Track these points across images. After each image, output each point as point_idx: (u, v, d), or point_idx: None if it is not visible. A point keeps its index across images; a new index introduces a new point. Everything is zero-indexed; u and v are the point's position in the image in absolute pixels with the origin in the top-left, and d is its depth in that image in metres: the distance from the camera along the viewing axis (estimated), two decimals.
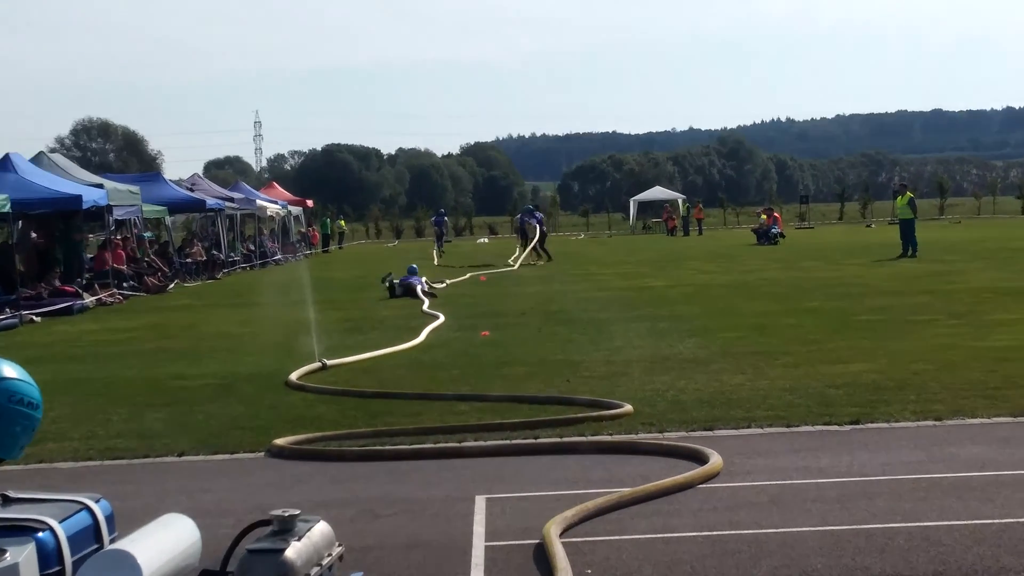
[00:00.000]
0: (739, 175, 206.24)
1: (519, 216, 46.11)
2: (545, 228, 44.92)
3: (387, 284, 26.58)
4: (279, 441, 9.54)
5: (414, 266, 28.89)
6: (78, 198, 27.48)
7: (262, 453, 9.46)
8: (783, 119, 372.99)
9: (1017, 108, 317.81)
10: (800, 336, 15.76)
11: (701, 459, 8.33)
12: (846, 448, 8.83)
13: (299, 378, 13.11)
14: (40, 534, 4.14)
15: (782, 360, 13.37)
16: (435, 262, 43.70)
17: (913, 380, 11.60)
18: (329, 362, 14.24)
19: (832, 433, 9.44)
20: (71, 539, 4.24)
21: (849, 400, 10.64)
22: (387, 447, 9.38)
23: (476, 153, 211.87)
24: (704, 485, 7.79)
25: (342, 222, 78.62)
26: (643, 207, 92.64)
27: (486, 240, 74.95)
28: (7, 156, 28.04)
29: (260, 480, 8.60)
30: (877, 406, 10.31)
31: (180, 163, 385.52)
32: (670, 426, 9.80)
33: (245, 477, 8.73)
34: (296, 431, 10.07)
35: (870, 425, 9.64)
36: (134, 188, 33.79)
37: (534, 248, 42.24)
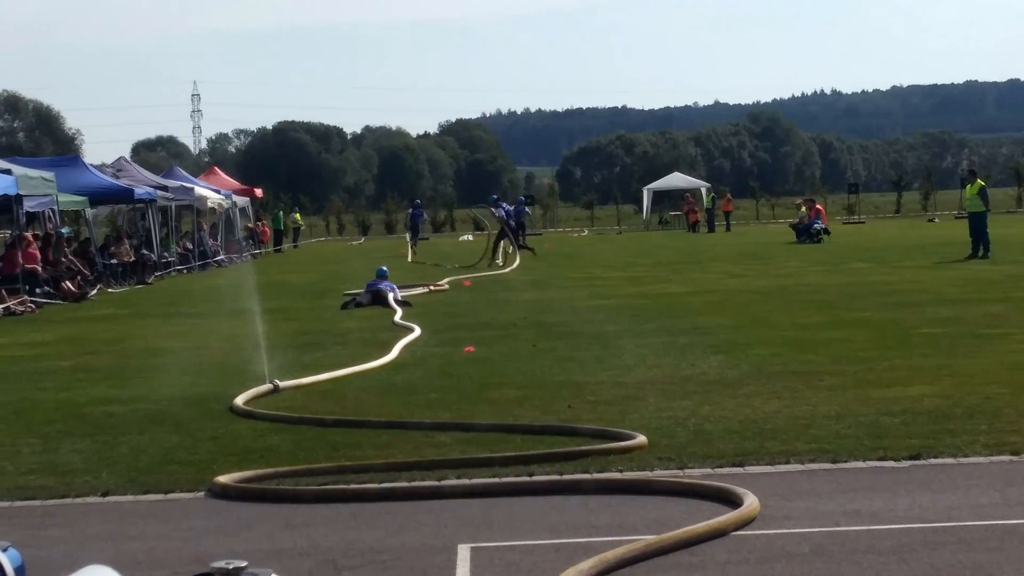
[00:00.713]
0: (775, 159, 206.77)
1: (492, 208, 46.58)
2: (513, 222, 45.27)
3: (351, 306, 26.04)
4: (222, 479, 9.54)
5: (383, 268, 28.87)
6: None
7: (202, 493, 9.47)
8: (827, 91, 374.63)
9: None
10: (848, 353, 15.78)
11: (733, 501, 8.34)
12: (904, 488, 8.85)
13: (246, 403, 13.11)
14: None
15: (826, 382, 13.39)
16: (408, 259, 44.52)
17: (985, 406, 11.62)
18: (282, 384, 14.25)
19: (887, 470, 9.46)
20: None
21: (907, 431, 10.66)
22: (351, 486, 9.38)
23: (458, 132, 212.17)
24: (736, 532, 7.80)
25: (297, 215, 78.89)
26: (659, 197, 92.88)
27: (470, 237, 74.96)
28: None
29: (200, 525, 8.59)
30: (941, 437, 10.33)
31: (103, 144, 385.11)
32: (692, 461, 9.81)
33: (182, 521, 8.72)
34: (243, 466, 10.06)
35: (933, 460, 9.66)
36: (48, 175, 33.73)
37: (495, 247, 42.69)
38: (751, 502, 8.19)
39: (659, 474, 9.43)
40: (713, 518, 7.90)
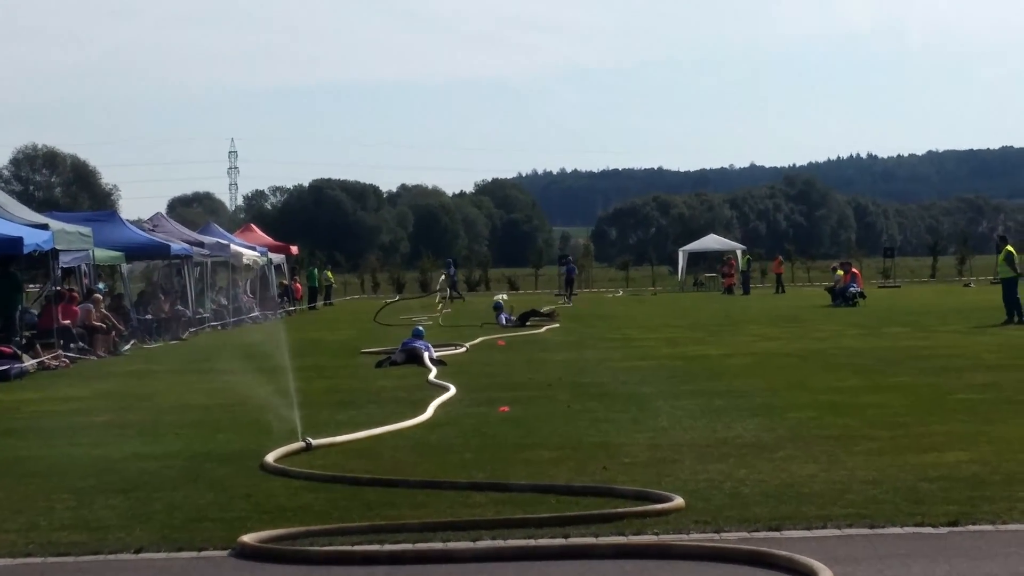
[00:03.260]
0: (810, 222, 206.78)
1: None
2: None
3: (386, 365, 26.13)
4: (246, 538, 9.53)
5: (419, 328, 28.97)
6: (18, 241, 27.62)
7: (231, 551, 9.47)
8: (863, 155, 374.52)
9: None
10: (885, 418, 15.71)
11: (805, 572, 8.30)
12: (942, 555, 8.78)
13: (277, 460, 13.11)
14: None
15: (863, 446, 13.33)
16: (439, 316, 45.51)
17: (1023, 473, 11.54)
18: (315, 441, 14.24)
19: (925, 536, 9.39)
20: None
21: (945, 496, 10.59)
22: (359, 548, 9.36)
23: (494, 192, 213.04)
24: None
25: (329, 273, 78.99)
26: (694, 259, 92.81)
27: (504, 296, 74.84)
28: None
29: None
30: (979, 504, 10.26)
31: (140, 200, 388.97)
32: (728, 524, 9.76)
33: None
34: (276, 525, 10.06)
35: (971, 527, 9.59)
36: (85, 230, 33.92)
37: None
38: (818, 570, 8.16)
39: (695, 538, 9.39)
40: None
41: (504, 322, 41.84)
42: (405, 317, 46.03)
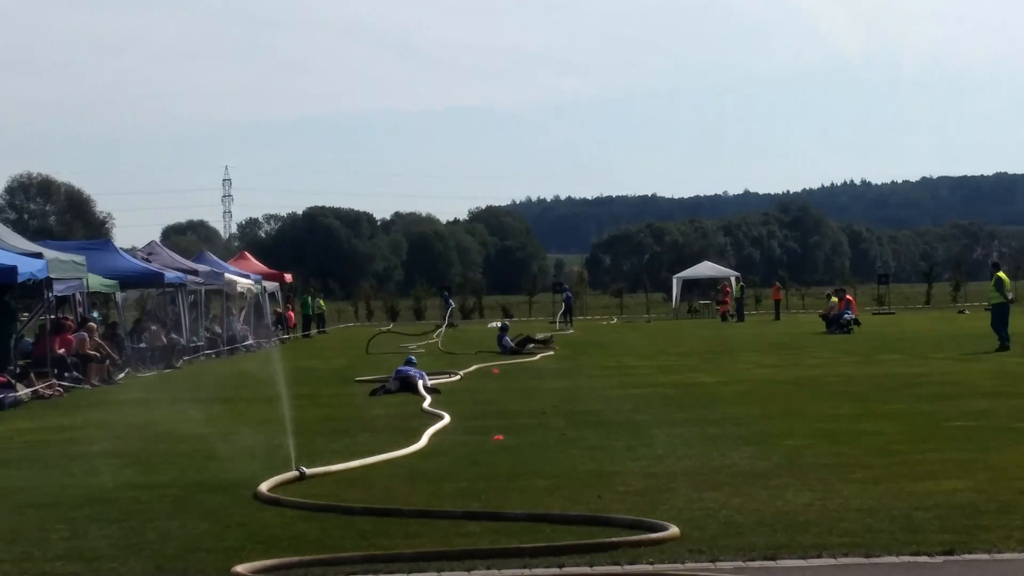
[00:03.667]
0: (804, 249, 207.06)
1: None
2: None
3: (380, 393, 26.16)
4: (240, 568, 9.51)
5: (412, 356, 28.99)
6: (12, 269, 27.60)
7: None
8: (857, 182, 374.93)
9: None
10: (880, 445, 15.71)
11: None
12: None
13: (271, 489, 13.09)
14: None
15: (858, 475, 13.33)
16: (438, 341, 46.06)
17: (1019, 501, 11.54)
18: (308, 470, 14.22)
19: (921, 565, 9.38)
20: None
21: (941, 525, 10.58)
22: None
23: (488, 219, 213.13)
24: None
25: (321, 301, 78.96)
26: (688, 286, 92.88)
27: (498, 324, 74.88)
28: None
29: None
30: (975, 533, 10.25)
31: (134, 228, 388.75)
32: (723, 553, 9.75)
33: None
34: (270, 554, 10.04)
35: (967, 556, 9.58)
36: (79, 258, 33.90)
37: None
38: None
39: (691, 567, 9.37)
40: None
41: (504, 348, 41.83)
42: (404, 346, 46.12)
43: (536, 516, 11.38)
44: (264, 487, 13.13)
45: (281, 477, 13.81)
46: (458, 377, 30.06)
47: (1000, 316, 36.04)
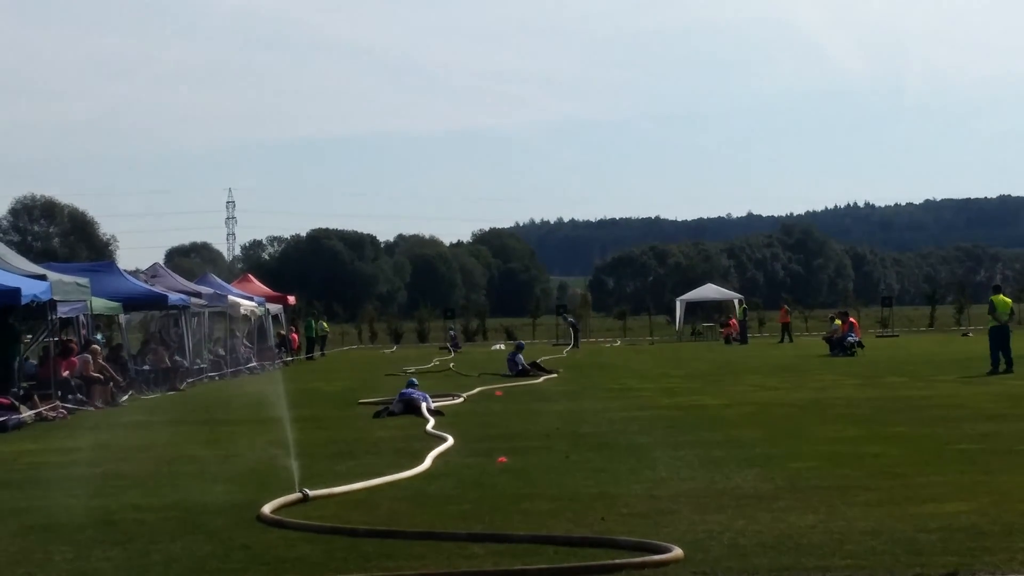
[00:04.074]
0: (808, 271, 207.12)
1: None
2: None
3: (384, 415, 26.22)
4: None
5: (414, 379, 29.02)
6: (16, 291, 27.65)
7: None
8: (861, 204, 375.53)
9: None
10: (883, 468, 15.71)
11: None
12: None
13: (274, 511, 13.10)
14: None
15: (862, 497, 13.33)
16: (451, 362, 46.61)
17: (1023, 523, 11.53)
18: (312, 493, 14.23)
19: None
20: None
21: (944, 547, 10.58)
22: None
23: (491, 241, 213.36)
24: None
25: (324, 323, 79.00)
26: (692, 308, 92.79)
27: (502, 346, 74.95)
28: None
29: None
30: (978, 555, 10.25)
31: (138, 251, 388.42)
32: None
33: None
34: None
35: None
36: (82, 280, 33.98)
37: None
38: None
39: None
40: None
41: (514, 369, 41.80)
42: (411, 371, 46.20)
43: (541, 538, 11.38)
44: (267, 509, 13.14)
45: (284, 499, 13.83)
46: (461, 399, 30.06)
47: (993, 339, 36.03)
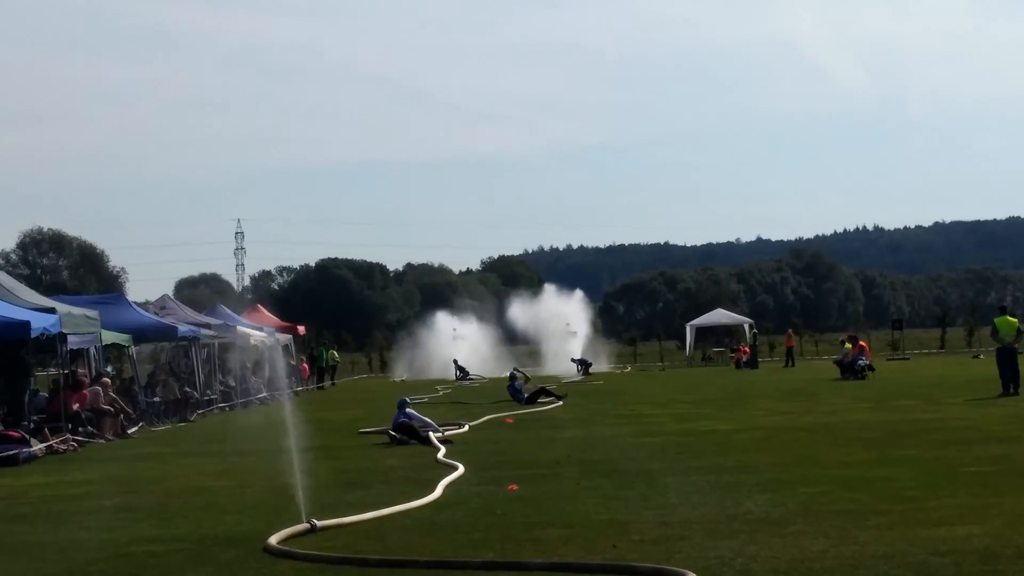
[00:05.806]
0: (817, 295, 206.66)
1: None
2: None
3: (394, 444, 26.38)
4: None
5: (405, 398, 28.90)
6: (26, 325, 27.69)
7: None
8: (870, 227, 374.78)
9: None
10: (895, 491, 15.69)
11: None
12: None
13: (280, 542, 13.08)
14: None
15: (874, 521, 13.31)
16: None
17: None
18: (320, 523, 14.21)
19: None
20: None
21: (957, 571, 10.57)
22: None
23: (500, 268, 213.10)
24: None
25: (335, 352, 79.04)
26: (702, 334, 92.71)
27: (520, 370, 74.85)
28: None
29: None
30: None
31: (147, 282, 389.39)
32: None
33: None
34: None
35: None
36: (92, 313, 34.05)
37: None
38: None
39: None
40: None
41: (518, 398, 41.68)
42: (417, 398, 46.16)
43: (556, 565, 11.38)
44: (273, 540, 13.13)
45: (291, 530, 13.82)
46: (465, 428, 29.91)
47: (1000, 361, 36.03)
